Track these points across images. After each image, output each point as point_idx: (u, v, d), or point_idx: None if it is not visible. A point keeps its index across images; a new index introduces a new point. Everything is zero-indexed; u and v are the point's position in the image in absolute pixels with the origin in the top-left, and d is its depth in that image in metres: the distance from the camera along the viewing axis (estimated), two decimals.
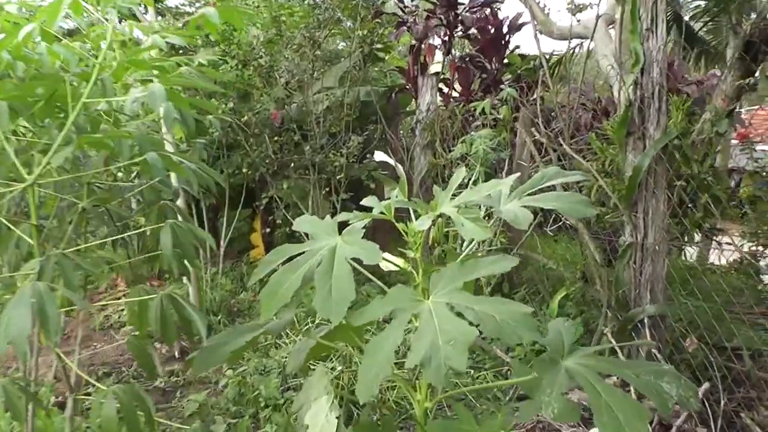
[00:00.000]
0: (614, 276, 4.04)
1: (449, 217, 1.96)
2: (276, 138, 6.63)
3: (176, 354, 5.47)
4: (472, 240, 2.03)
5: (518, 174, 2.27)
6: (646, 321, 3.82)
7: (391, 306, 1.75)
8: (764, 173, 6.13)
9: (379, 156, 2.38)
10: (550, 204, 2.04)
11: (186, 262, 2.59)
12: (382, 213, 2.12)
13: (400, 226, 2.10)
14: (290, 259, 1.93)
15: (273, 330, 2.01)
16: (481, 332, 1.60)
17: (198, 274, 6.13)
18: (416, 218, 2.08)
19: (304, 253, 1.92)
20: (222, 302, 6.59)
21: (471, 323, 1.63)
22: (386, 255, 2.20)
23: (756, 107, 6.54)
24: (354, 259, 1.84)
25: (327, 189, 6.81)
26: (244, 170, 6.54)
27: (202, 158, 6.17)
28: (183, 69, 2.51)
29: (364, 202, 2.19)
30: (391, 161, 2.37)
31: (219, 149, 6.61)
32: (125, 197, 2.73)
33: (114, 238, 2.66)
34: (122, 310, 6.67)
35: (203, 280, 6.81)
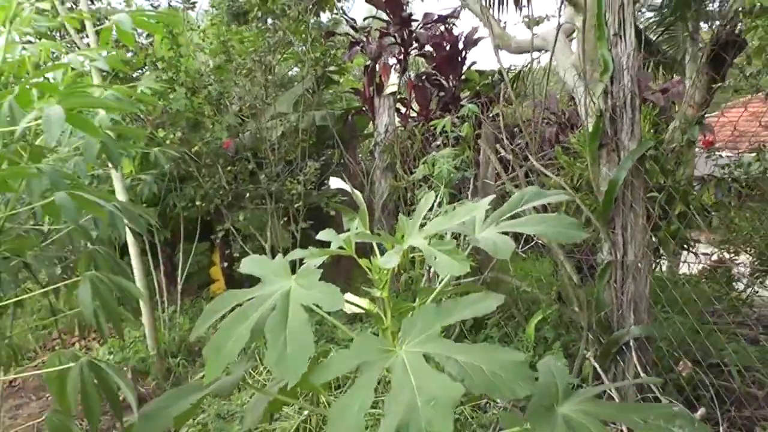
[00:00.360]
0: (594, 296, 3.80)
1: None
2: (230, 168, 6.35)
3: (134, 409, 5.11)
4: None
5: (492, 196, 2.02)
6: (632, 343, 3.59)
7: (356, 360, 1.48)
8: (730, 180, 5.99)
9: (335, 183, 2.12)
10: (533, 229, 1.80)
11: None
12: (341, 248, 1.86)
13: (363, 262, 1.84)
14: (240, 305, 1.66)
15: (221, 390, 1.73)
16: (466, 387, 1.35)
17: (154, 314, 5.80)
18: (381, 252, 1.83)
19: (253, 299, 1.65)
20: (181, 342, 6.26)
21: (454, 377, 1.37)
22: (349, 296, 1.93)
23: (716, 113, 6.42)
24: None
25: (285, 218, 6.53)
26: (198, 203, 6.23)
27: (152, 191, 5.96)
28: (107, 93, 2.20)
29: (321, 236, 1.92)
30: (347, 187, 2.11)
31: (171, 181, 6.29)
32: (44, 244, 2.42)
33: (19, 298, 2.32)
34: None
35: (160, 319, 6.47)
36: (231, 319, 1.59)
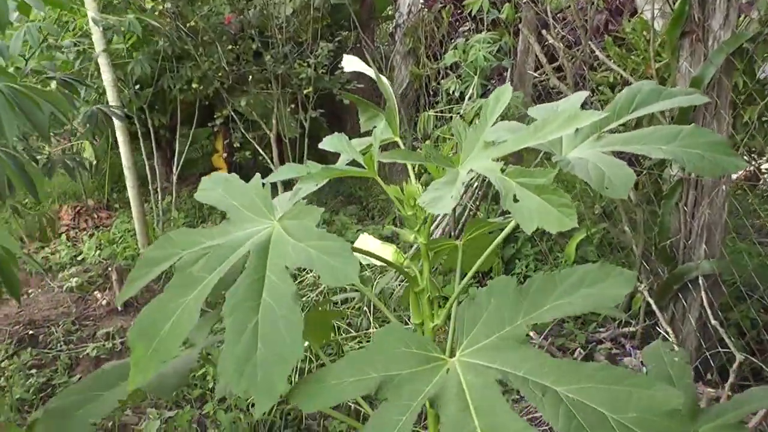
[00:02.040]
0: (658, 220, 3.15)
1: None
2: (231, 47, 5.61)
3: (119, 307, 4.54)
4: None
5: (585, 93, 1.35)
6: (700, 280, 2.96)
7: (376, 372, 0.86)
8: None
9: (351, 63, 1.45)
10: (657, 149, 1.14)
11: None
12: (356, 165, 1.21)
13: (391, 190, 1.20)
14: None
15: (161, 387, 1.11)
16: None
17: (143, 207, 5.20)
18: (416, 176, 1.20)
19: (208, 251, 1.01)
20: None
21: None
22: (365, 239, 1.29)
23: None
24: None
25: (293, 105, 5.84)
26: (194, 85, 5.53)
27: (145, 71, 5.27)
28: None
29: (325, 144, 1.27)
30: (369, 70, 1.44)
31: (166, 61, 5.57)
32: None
33: None
34: (65, 249, 5.73)
35: (153, 212, 5.88)
36: (170, 289, 0.96)
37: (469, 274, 1.22)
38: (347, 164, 1.27)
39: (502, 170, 0.96)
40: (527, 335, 0.87)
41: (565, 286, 0.91)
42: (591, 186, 1.05)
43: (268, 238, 0.99)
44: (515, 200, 0.91)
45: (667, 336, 3.11)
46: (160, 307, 0.97)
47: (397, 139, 1.36)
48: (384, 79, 1.34)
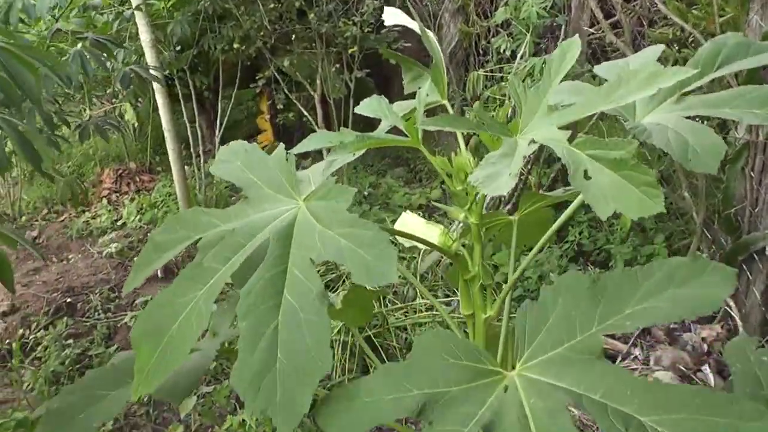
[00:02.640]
0: (722, 186, 2.93)
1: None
2: (273, 5, 5.43)
3: (159, 273, 4.46)
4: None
5: (661, 47, 1.16)
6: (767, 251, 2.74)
7: (418, 388, 0.70)
8: None
9: (392, 16, 1.28)
10: (755, 116, 0.95)
11: None
12: (396, 132, 1.06)
13: (437, 161, 1.03)
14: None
15: (174, 391, 0.98)
16: None
17: (184, 170, 5.09)
18: (468, 145, 1.03)
19: (223, 235, 0.87)
20: (219, 202, 5.58)
21: None
22: (408, 217, 1.13)
23: None
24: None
25: (338, 65, 5.65)
26: (236, 45, 5.38)
27: (185, 32, 5.15)
28: None
29: (362, 108, 1.11)
30: (413, 23, 1.27)
31: (206, 21, 5.43)
32: None
33: None
34: (105, 213, 5.68)
35: (195, 176, 5.79)
36: (177, 285, 0.82)
37: (529, 257, 1.06)
38: (388, 131, 1.11)
39: (570, 140, 0.79)
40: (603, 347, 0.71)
41: (649, 286, 0.74)
42: (673, 157, 0.88)
43: (291, 223, 0.84)
44: (586, 177, 0.74)
45: (729, 309, 2.91)
46: (167, 302, 0.83)
47: (445, 101, 1.19)
48: (430, 34, 1.17)
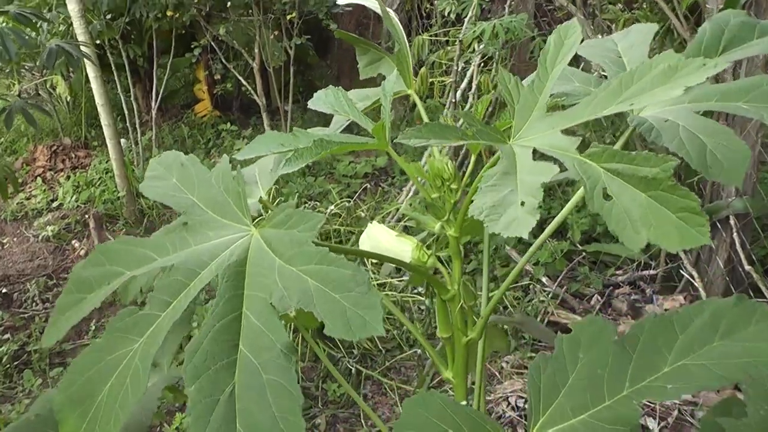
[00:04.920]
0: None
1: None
2: None
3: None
4: None
5: (654, 26, 1.03)
6: (731, 220, 2.68)
7: None
8: None
9: None
10: None
11: None
12: (357, 133, 0.92)
13: (410, 168, 0.90)
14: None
15: None
16: None
17: (121, 145, 4.84)
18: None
19: (161, 277, 0.72)
20: None
21: None
22: (376, 229, 1.00)
23: None
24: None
25: (276, 32, 5.44)
26: (169, 13, 5.13)
27: (113, 1, 4.88)
28: None
29: (315, 103, 0.96)
30: (374, 3, 1.12)
31: None
32: None
33: None
34: (40, 194, 5.40)
35: (133, 151, 5.54)
36: (112, 327, 0.66)
37: (516, 269, 0.94)
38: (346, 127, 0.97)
39: (581, 149, 0.66)
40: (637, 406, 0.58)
41: (689, 337, 0.62)
42: (691, 164, 0.76)
43: (243, 257, 0.70)
44: (605, 197, 0.61)
45: (691, 279, 2.85)
46: (94, 361, 0.68)
47: (411, 92, 1.05)
48: (392, 14, 1.02)
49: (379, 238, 0.93)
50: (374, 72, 1.17)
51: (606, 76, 0.94)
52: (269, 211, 0.82)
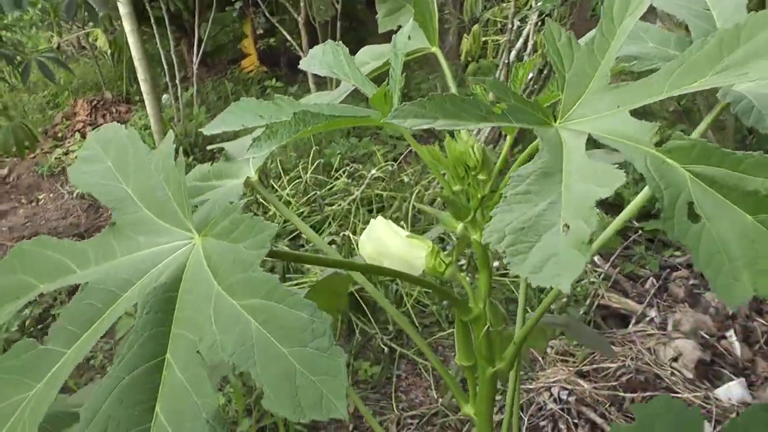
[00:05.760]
0: None
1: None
2: None
3: None
4: None
5: None
6: None
7: None
8: None
9: None
10: None
11: None
12: (362, 108, 0.71)
13: (424, 151, 0.69)
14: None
15: None
16: None
17: (159, 101, 4.70)
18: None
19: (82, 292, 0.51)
20: (198, 136, 5.18)
21: None
22: (380, 224, 0.79)
23: None
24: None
25: None
26: None
27: None
28: None
29: (307, 63, 0.76)
30: None
31: None
32: None
33: None
34: (78, 149, 5.30)
35: (174, 107, 5.40)
36: (5, 366, 0.47)
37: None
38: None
39: (660, 142, 0.45)
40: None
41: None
42: None
43: (177, 278, 0.51)
44: (692, 217, 0.40)
45: None
46: None
47: (435, 48, 0.84)
48: None
49: (384, 239, 0.72)
50: (394, 24, 0.96)
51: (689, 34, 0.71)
52: (258, 197, 0.63)
